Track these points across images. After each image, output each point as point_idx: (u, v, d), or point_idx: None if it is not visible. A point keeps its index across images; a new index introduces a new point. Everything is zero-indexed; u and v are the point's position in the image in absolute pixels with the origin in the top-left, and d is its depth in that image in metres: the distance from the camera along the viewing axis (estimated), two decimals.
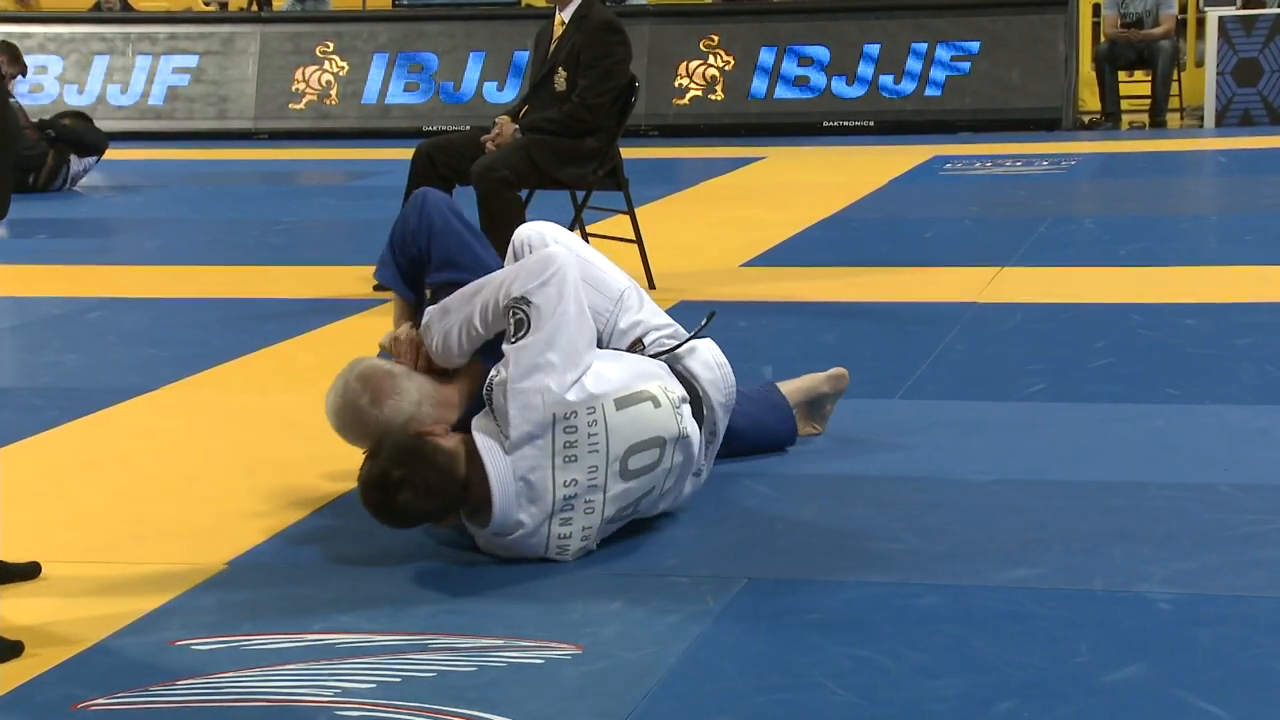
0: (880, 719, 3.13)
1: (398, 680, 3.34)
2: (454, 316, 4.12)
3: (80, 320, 7.20)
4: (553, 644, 3.50)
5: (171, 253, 9.22)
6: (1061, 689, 3.22)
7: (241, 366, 6.22)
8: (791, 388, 4.94)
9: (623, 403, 3.96)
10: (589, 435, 3.90)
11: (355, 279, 7.81)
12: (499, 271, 4.17)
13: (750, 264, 8.24)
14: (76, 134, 11.93)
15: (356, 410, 4.09)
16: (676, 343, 4.30)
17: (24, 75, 12.11)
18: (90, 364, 6.37)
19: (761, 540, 4.12)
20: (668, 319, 4.42)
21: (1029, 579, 3.82)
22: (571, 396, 3.89)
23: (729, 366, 4.34)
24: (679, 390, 4.12)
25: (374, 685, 3.32)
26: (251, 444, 5.14)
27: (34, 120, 11.93)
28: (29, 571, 3.96)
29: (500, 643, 3.51)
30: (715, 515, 4.28)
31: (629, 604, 3.73)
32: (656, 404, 4.02)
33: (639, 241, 7.63)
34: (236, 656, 3.48)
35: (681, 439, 4.06)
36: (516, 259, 4.39)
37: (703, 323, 4.36)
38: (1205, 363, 5.88)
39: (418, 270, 4.45)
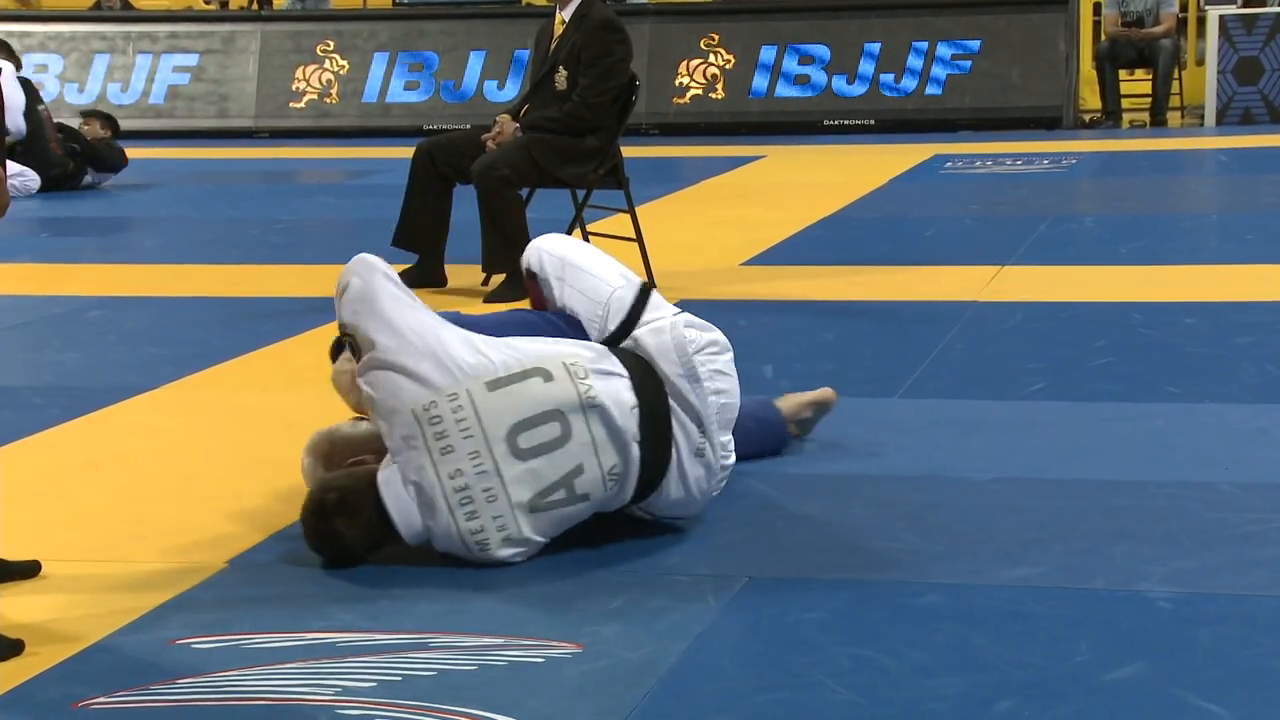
0: (880, 718, 3.13)
1: (398, 679, 3.34)
2: None
3: (81, 319, 7.20)
4: (553, 643, 3.50)
5: (172, 251, 9.22)
6: (1062, 688, 3.22)
7: (242, 365, 6.22)
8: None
9: (497, 384, 3.89)
10: (457, 421, 3.84)
11: None
12: None
13: (750, 263, 8.24)
14: (98, 153, 11.98)
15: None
16: (618, 327, 4.16)
17: (18, 68, 12.12)
18: (91, 363, 6.37)
19: (762, 539, 4.12)
20: (663, 310, 4.23)
21: (1029, 578, 3.82)
22: (425, 388, 3.85)
23: (687, 338, 4.08)
24: (594, 365, 3.97)
25: (374, 684, 3.32)
26: (251, 443, 5.14)
27: (58, 129, 11.95)
28: (29, 570, 3.96)
29: (501, 641, 3.51)
30: (715, 514, 4.27)
31: (629, 603, 3.73)
32: (548, 378, 3.91)
33: (639, 240, 7.63)
34: (236, 655, 3.48)
35: (592, 407, 3.91)
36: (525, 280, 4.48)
37: (636, 298, 4.20)
38: (1205, 362, 5.88)
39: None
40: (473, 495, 3.85)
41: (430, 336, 3.94)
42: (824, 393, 4.93)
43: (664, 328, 4.13)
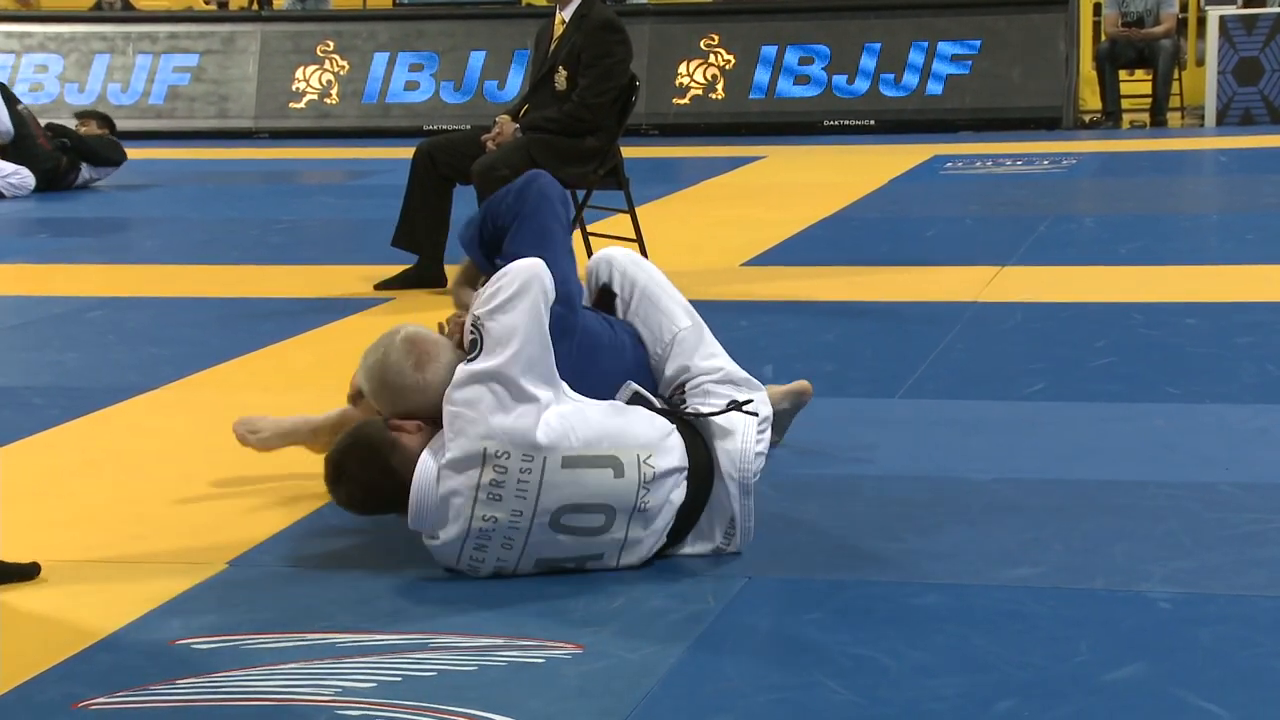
0: (880, 718, 3.13)
1: (398, 679, 3.34)
2: None
3: (81, 319, 7.20)
4: (553, 643, 3.50)
5: (172, 252, 9.22)
6: (1062, 688, 3.22)
7: (241, 365, 6.22)
8: None
9: (573, 462, 3.80)
10: (518, 481, 3.77)
11: (355, 278, 7.81)
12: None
13: (751, 263, 8.24)
14: (91, 149, 11.94)
15: (398, 372, 3.94)
16: (718, 409, 4.04)
17: None
18: (91, 363, 6.37)
19: (762, 539, 4.11)
20: (722, 362, 4.18)
21: (1029, 578, 3.82)
22: (510, 436, 3.76)
23: (753, 451, 4.00)
24: (665, 464, 3.89)
25: (374, 684, 3.31)
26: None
27: (45, 127, 11.93)
28: (28, 572, 3.95)
29: (501, 642, 3.51)
30: None
31: (629, 603, 3.73)
32: (619, 472, 3.83)
33: (639, 241, 7.63)
34: (237, 656, 3.48)
35: (640, 512, 3.86)
36: (588, 284, 4.38)
37: (744, 400, 4.07)
38: (1206, 362, 5.88)
39: (498, 245, 4.27)
40: (492, 537, 3.81)
41: (543, 386, 3.83)
42: (799, 385, 4.89)
43: (737, 427, 4.01)
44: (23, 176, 11.63)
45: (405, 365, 3.95)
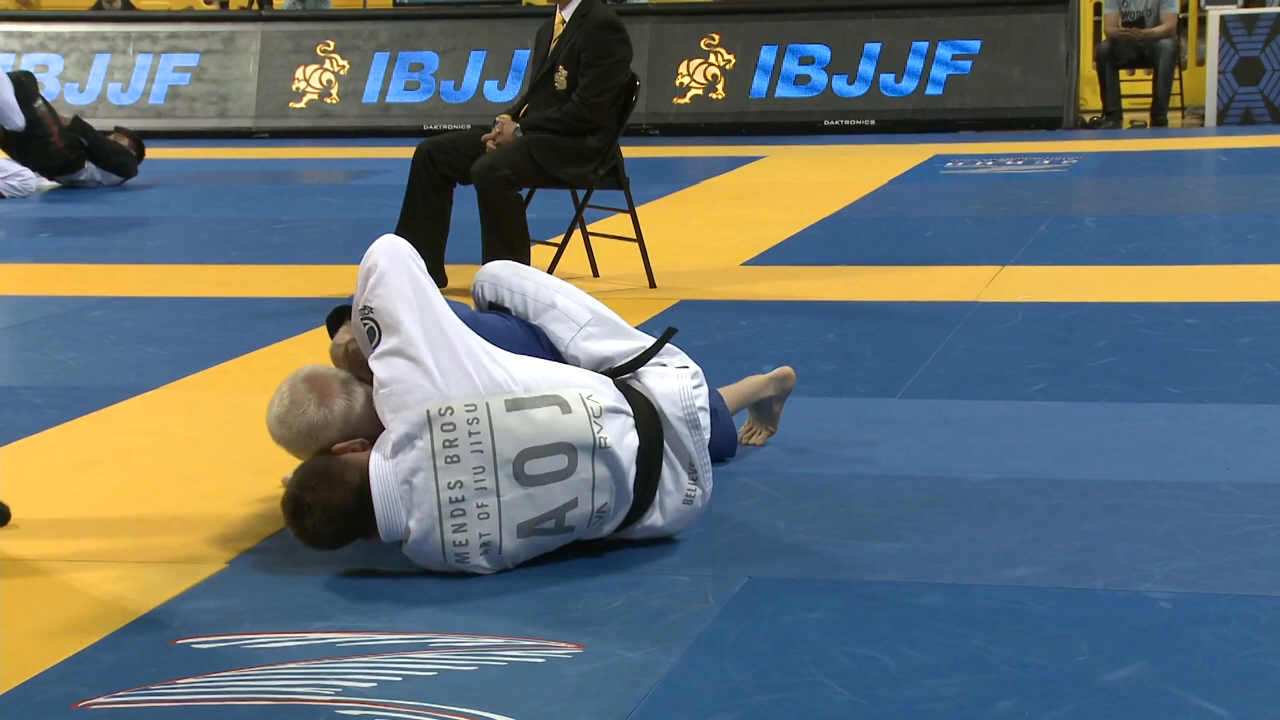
0: (881, 718, 3.13)
1: (398, 679, 3.34)
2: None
3: (81, 319, 7.20)
4: (553, 643, 3.50)
5: (172, 252, 9.23)
6: (1062, 688, 3.22)
7: (241, 365, 6.22)
8: (733, 393, 4.83)
9: (516, 404, 3.83)
10: (469, 434, 3.78)
11: (355, 278, 7.80)
12: None
13: (751, 263, 8.24)
14: (103, 152, 11.95)
15: (302, 412, 4.00)
16: (628, 361, 4.12)
17: None
18: (91, 363, 6.38)
19: (762, 539, 4.12)
20: (635, 342, 4.22)
21: (1029, 578, 3.82)
22: (445, 391, 3.79)
23: (695, 380, 4.11)
24: (608, 401, 3.94)
25: (375, 684, 3.32)
26: (251, 443, 5.13)
27: (71, 121, 11.93)
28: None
29: (501, 642, 3.51)
30: (716, 515, 4.27)
31: (630, 603, 3.73)
32: (566, 409, 3.86)
33: (640, 240, 7.63)
34: (237, 655, 3.48)
35: (600, 450, 3.88)
36: (474, 304, 4.42)
37: (658, 339, 4.17)
38: (1206, 361, 5.88)
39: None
40: (466, 509, 3.80)
41: (457, 340, 3.89)
42: (781, 371, 4.91)
43: (669, 373, 4.11)
44: (24, 179, 11.64)
45: (308, 404, 4.02)
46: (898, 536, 4.11)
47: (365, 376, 4.04)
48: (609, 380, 4.05)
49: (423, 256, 7.80)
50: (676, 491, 4.05)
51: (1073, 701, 3.16)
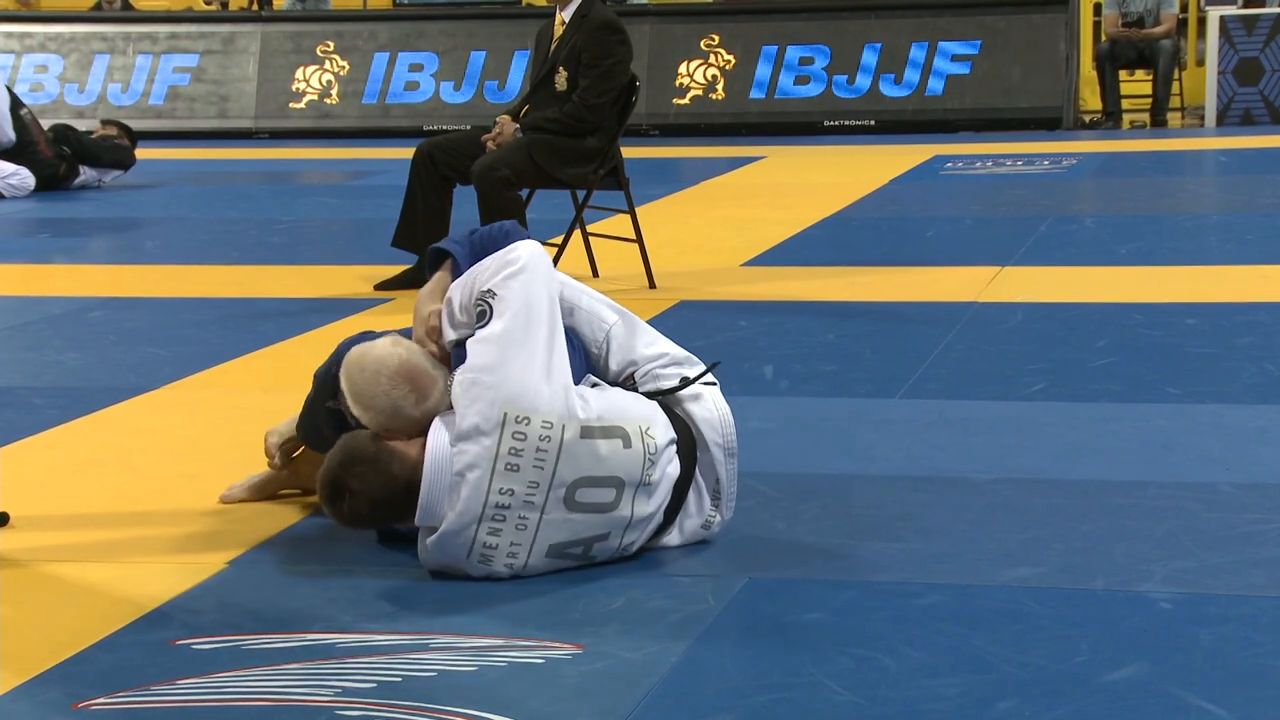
0: (881, 718, 3.13)
1: (398, 680, 3.34)
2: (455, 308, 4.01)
3: (81, 319, 7.20)
4: (553, 643, 3.50)
5: (172, 252, 9.22)
6: (1062, 688, 3.22)
7: (241, 366, 6.22)
8: None
9: (589, 432, 3.81)
10: (537, 449, 3.75)
11: (355, 278, 7.82)
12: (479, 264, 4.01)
13: (751, 263, 8.24)
14: (92, 152, 11.93)
15: (395, 411, 3.88)
16: (674, 385, 4.09)
17: None
18: (91, 363, 6.38)
19: (762, 539, 4.12)
20: (664, 347, 4.19)
21: (1029, 578, 3.82)
22: (532, 399, 3.76)
23: (730, 414, 4.11)
24: (662, 435, 3.93)
25: (374, 685, 3.32)
26: (252, 443, 5.12)
27: (49, 129, 11.92)
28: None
29: (501, 642, 3.51)
30: None
31: (629, 603, 3.73)
32: (627, 443, 3.86)
33: (639, 241, 7.63)
34: (237, 656, 3.48)
35: (645, 486, 3.89)
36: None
37: (705, 369, 4.14)
38: (1206, 362, 5.88)
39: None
40: (507, 516, 3.78)
41: (560, 356, 3.84)
42: None
43: (707, 398, 4.09)
44: (22, 177, 11.63)
45: (406, 404, 3.89)
46: (898, 537, 4.11)
47: (438, 355, 3.98)
48: (658, 406, 4.01)
49: (422, 257, 7.87)
50: (698, 515, 4.06)
51: (1073, 702, 3.16)
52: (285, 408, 4.99)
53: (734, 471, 4.09)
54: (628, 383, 4.14)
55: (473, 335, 3.85)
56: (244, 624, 3.65)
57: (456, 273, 4.08)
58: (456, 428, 3.77)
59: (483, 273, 3.93)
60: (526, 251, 3.94)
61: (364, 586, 3.88)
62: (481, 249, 4.12)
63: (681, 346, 4.24)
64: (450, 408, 3.85)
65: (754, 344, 6.32)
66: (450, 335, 3.94)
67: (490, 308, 3.85)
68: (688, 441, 4.03)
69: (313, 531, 4.30)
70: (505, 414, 3.75)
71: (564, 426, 3.78)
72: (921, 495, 4.44)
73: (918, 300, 7.09)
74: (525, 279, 3.88)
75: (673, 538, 4.06)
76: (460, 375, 3.81)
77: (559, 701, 3.22)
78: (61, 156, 11.82)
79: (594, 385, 4.04)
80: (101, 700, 3.28)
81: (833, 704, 3.18)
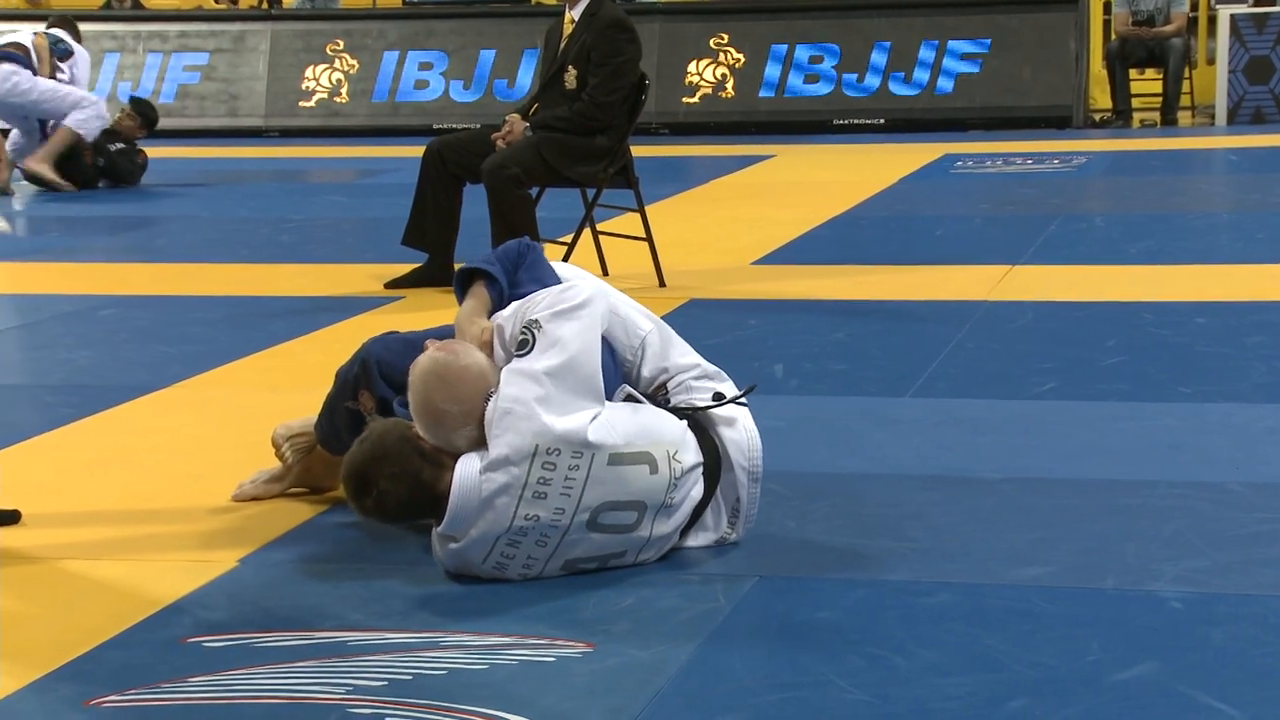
0: (891, 717, 3.13)
1: (409, 678, 3.34)
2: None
3: (91, 317, 7.21)
4: (564, 641, 3.50)
5: (182, 250, 9.23)
6: (1072, 687, 3.22)
7: (251, 364, 6.22)
8: None
9: (617, 459, 3.81)
10: (565, 479, 3.76)
11: (365, 277, 7.82)
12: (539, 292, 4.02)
13: (760, 262, 8.24)
14: (118, 173, 11.98)
15: (450, 429, 3.84)
16: (705, 405, 4.07)
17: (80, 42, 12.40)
18: (101, 361, 6.38)
19: (772, 538, 4.12)
20: (694, 359, 4.18)
21: (1040, 577, 3.82)
22: (561, 431, 3.75)
23: (759, 439, 4.08)
24: (690, 460, 3.93)
25: (385, 683, 3.32)
26: (262, 441, 5.13)
27: (93, 144, 11.99)
28: (10, 517, 4.25)
29: (511, 640, 3.52)
30: None
31: (640, 602, 3.73)
32: (654, 468, 3.85)
33: (649, 239, 7.63)
34: (248, 654, 3.48)
35: (665, 508, 3.89)
36: None
37: (741, 393, 4.12)
38: (1216, 361, 5.88)
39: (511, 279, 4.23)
40: (528, 535, 3.79)
41: (592, 399, 3.82)
42: None
43: (738, 421, 4.08)
44: (99, 108, 11.79)
45: (457, 423, 3.84)
46: (908, 536, 4.11)
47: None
48: (687, 427, 3.99)
49: (432, 255, 7.92)
50: (714, 531, 4.06)
51: (1083, 701, 3.16)
52: (295, 406, 5.00)
53: (756, 495, 4.06)
54: (659, 391, 4.13)
55: (513, 362, 3.84)
56: (255, 622, 3.66)
57: (494, 290, 4.10)
58: (489, 457, 3.76)
59: (535, 304, 3.92)
60: (589, 292, 3.94)
61: (375, 584, 3.88)
62: (512, 266, 4.15)
63: (691, 346, 4.24)
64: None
65: (764, 343, 6.32)
66: (501, 361, 3.94)
67: (534, 338, 3.84)
68: (713, 462, 4.01)
69: (324, 529, 4.31)
70: (537, 446, 3.75)
71: (593, 456, 3.78)
72: (932, 494, 4.44)
73: (928, 299, 7.08)
74: (584, 323, 3.87)
75: (685, 544, 4.05)
76: (493, 403, 3.81)
77: (570, 700, 3.23)
78: (96, 167, 11.91)
79: (627, 397, 4.03)
80: (113, 698, 3.29)
81: (843, 703, 3.18)
